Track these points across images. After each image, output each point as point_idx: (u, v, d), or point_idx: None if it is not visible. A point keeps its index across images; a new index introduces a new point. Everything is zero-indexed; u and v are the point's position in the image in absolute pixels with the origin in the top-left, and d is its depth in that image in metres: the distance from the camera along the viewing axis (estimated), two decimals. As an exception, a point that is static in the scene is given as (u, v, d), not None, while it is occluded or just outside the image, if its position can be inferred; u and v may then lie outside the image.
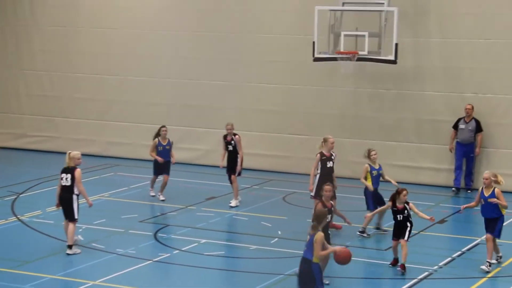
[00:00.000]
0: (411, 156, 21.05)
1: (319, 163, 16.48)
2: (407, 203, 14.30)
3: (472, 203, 14.71)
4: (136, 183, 20.62)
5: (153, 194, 19.16)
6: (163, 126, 19.13)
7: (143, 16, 23.38)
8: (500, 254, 14.71)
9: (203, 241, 15.84)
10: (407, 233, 14.19)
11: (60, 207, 15.15)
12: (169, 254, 15.02)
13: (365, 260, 14.76)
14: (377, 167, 16.44)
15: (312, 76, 21.57)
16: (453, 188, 20.22)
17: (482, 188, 14.30)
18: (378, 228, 16.48)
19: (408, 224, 14.25)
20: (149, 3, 23.38)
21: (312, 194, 16.44)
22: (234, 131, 18.49)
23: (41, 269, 14.07)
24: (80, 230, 16.11)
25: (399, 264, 14.15)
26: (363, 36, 19.48)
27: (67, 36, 24.21)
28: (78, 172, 15.04)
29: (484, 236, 14.66)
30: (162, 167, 18.89)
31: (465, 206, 14.78)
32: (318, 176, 16.46)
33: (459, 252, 15.18)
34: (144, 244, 15.61)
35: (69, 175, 14.99)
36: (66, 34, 24.23)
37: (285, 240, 16.03)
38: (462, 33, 20.36)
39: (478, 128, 20.10)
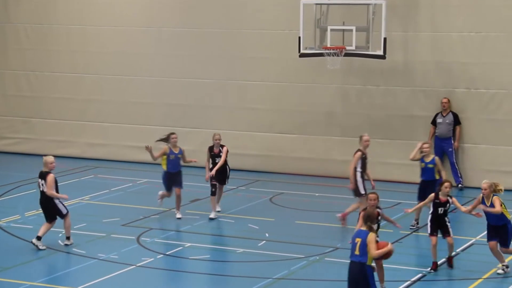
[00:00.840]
0: (403, 154, 20.95)
1: (359, 161, 16.63)
2: (450, 196, 14.37)
3: (474, 204, 14.46)
4: (118, 186, 20.50)
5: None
6: (173, 133, 17.82)
7: (123, 13, 23.24)
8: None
9: (188, 244, 15.76)
10: (450, 229, 14.34)
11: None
12: (152, 259, 14.93)
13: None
14: (428, 160, 16.64)
15: (298, 72, 21.52)
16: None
17: (483, 198, 14.21)
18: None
19: (447, 219, 14.33)
20: (130, -1, 23.27)
21: (363, 192, 16.49)
22: (222, 143, 17.76)
23: (20, 275, 13.96)
24: (60, 235, 15.97)
25: (447, 259, 14.35)
26: (351, 30, 19.45)
27: (43, 34, 24.03)
28: (50, 177, 15.35)
29: (480, 237, 14.60)
30: (173, 180, 17.56)
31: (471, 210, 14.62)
32: (359, 173, 16.65)
33: (454, 253, 15.12)
34: (127, 249, 15.50)
35: (43, 181, 15.36)
36: (42, 31, 24.05)
37: (273, 242, 15.97)
38: (453, 27, 20.36)
39: (456, 121, 20.25)
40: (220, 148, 17.72)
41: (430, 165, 16.65)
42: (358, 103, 21.29)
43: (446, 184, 14.29)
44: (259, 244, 15.86)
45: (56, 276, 14.04)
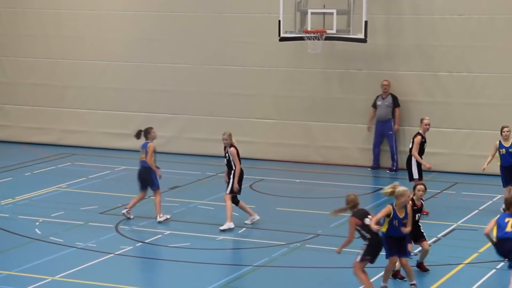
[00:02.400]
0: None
1: (418, 145, 16.59)
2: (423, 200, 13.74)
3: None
4: (95, 173, 20.57)
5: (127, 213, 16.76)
6: (152, 128, 16.78)
7: (99, -4, 23.28)
8: None
9: (167, 232, 15.87)
10: (424, 233, 13.65)
11: None
12: (131, 247, 15.03)
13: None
14: (507, 145, 16.68)
15: (279, 57, 21.62)
16: (372, 167, 20.82)
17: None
18: None
19: (420, 225, 13.60)
20: (105, -18, 23.29)
21: (416, 177, 16.43)
22: (229, 142, 16.32)
23: (-4, 265, 14.04)
24: (37, 223, 16.09)
25: (418, 264, 13.82)
26: (331, 14, 19.55)
27: (17, 18, 24.01)
28: None
29: (461, 223, 14.75)
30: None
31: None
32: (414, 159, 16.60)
33: (435, 239, 15.38)
34: (105, 237, 15.61)
35: None
36: (15, 15, 24.03)
37: (253, 229, 16.12)
38: (436, 9, 20.55)
39: (395, 104, 20.60)
40: (228, 149, 16.23)
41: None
42: (340, 88, 21.43)
43: (419, 187, 13.50)
44: (240, 231, 15.98)
45: (34, 265, 14.09)
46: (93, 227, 16.18)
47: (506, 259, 12.82)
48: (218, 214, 16.98)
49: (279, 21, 19.96)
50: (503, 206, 14.11)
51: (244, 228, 16.17)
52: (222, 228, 16.00)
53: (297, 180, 19.96)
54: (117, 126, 23.30)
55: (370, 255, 12.53)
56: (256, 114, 22.08)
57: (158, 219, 16.56)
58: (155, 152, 16.59)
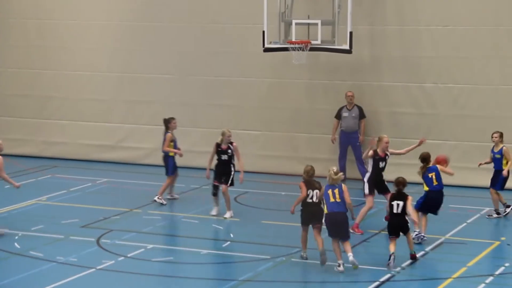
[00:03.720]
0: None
1: (372, 161, 16.23)
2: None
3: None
4: (76, 186, 20.36)
5: (171, 196, 18.99)
6: (173, 118, 18.88)
7: (81, 7, 23.05)
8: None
9: (150, 246, 15.68)
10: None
11: None
12: (113, 261, 14.83)
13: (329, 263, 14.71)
14: (496, 150, 17.37)
15: (263, 67, 21.53)
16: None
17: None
18: None
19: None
20: (88, -8, 23.10)
21: (366, 192, 16.27)
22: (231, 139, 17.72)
23: (-26, 281, 13.80)
24: (16, 237, 15.82)
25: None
26: (316, 24, 19.46)
27: (-3, 28, 23.80)
28: None
29: (450, 236, 14.63)
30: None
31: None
32: (369, 174, 16.27)
33: (423, 252, 15.23)
34: (87, 251, 15.39)
35: None
36: (-4, 26, 23.83)
37: (238, 243, 15.95)
38: (421, 20, 20.48)
39: (361, 115, 20.63)
40: (230, 145, 17.60)
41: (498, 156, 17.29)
42: (325, 99, 21.33)
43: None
44: (224, 245, 15.84)
45: (13, 281, 13.86)
46: (74, 241, 15.94)
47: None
48: (202, 228, 16.78)
49: (263, 31, 19.85)
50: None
51: (229, 242, 15.99)
52: (226, 216, 17.45)
53: (283, 193, 19.79)
54: (99, 138, 23.13)
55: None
56: (241, 125, 21.92)
57: (156, 198, 18.44)
58: (172, 141, 18.65)
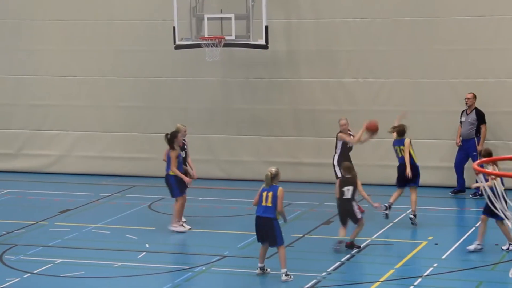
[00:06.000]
0: (290, 151, 21.03)
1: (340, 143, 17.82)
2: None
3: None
4: (-24, 198, 19.81)
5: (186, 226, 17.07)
6: (177, 132, 16.85)
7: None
8: None
9: (59, 261, 15.34)
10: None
11: None
12: (19, 279, 14.43)
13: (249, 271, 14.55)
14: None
15: (175, 66, 21.33)
16: None
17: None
18: None
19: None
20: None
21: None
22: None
23: None
24: None
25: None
26: (229, 19, 19.44)
27: None
28: None
29: (375, 237, 14.69)
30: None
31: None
32: (337, 157, 17.79)
33: (349, 256, 15.20)
34: (-11, 269, 14.95)
35: None
36: None
37: (154, 253, 15.72)
38: (337, 13, 20.53)
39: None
40: (184, 141, 17.31)
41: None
42: (241, 98, 21.24)
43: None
44: (139, 256, 15.55)
45: None
46: (-25, 259, 15.41)
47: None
48: (114, 239, 16.49)
49: (174, 27, 19.71)
50: None
51: (144, 253, 15.70)
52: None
53: (199, 198, 19.60)
54: None
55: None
56: (152, 128, 21.61)
57: (172, 227, 16.87)
58: (178, 157, 16.70)
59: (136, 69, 21.69)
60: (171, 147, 16.70)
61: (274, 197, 13.84)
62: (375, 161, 20.36)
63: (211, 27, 19.47)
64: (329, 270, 14.46)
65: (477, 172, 13.61)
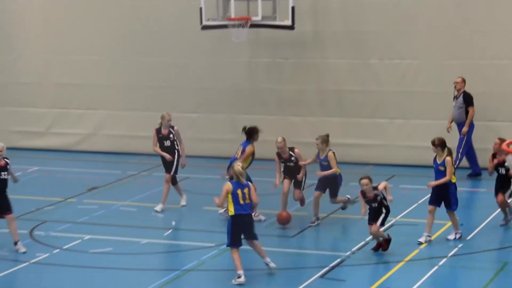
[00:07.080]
0: (316, 132, 21.03)
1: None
2: (376, 188, 14.34)
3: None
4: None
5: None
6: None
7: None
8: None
9: (87, 237, 15.54)
10: (380, 219, 14.42)
11: None
12: (48, 254, 14.67)
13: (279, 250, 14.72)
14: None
15: (201, 46, 21.39)
16: None
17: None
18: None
19: (383, 210, 14.45)
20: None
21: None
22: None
23: None
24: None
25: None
26: (256, -1, 19.38)
27: None
28: None
29: (400, 218, 14.75)
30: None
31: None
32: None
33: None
34: (19, 244, 15.13)
35: None
36: None
37: (180, 231, 15.93)
38: (365, -6, 20.54)
39: None
40: (171, 129, 17.11)
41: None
42: (266, 78, 21.30)
43: (363, 181, 14.32)
44: (165, 234, 15.73)
45: None
46: (5, 234, 15.62)
47: None
48: (141, 216, 16.65)
49: (201, 8, 19.74)
50: None
51: (170, 230, 15.88)
52: (156, 208, 16.91)
53: (227, 177, 19.65)
54: (28, 124, 22.83)
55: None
56: (178, 107, 21.73)
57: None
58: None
59: (162, 49, 21.79)
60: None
61: (249, 193, 13.25)
62: (401, 142, 20.43)
63: (237, 8, 19.48)
64: (353, 249, 14.59)
65: (506, 153, 13.75)
